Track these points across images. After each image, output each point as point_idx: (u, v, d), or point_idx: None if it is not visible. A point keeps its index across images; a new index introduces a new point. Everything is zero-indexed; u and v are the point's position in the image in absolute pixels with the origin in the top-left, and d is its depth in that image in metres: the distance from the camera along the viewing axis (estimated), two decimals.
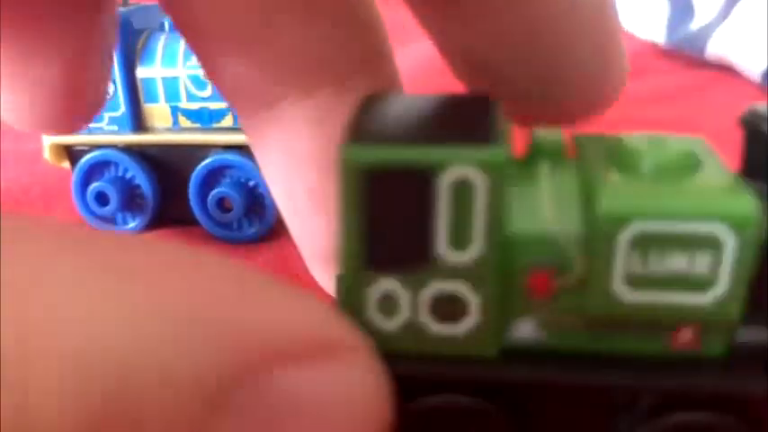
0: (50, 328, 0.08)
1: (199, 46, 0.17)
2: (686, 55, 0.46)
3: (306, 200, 0.16)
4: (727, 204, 0.12)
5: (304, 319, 0.10)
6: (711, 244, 0.12)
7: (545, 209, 0.13)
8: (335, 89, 0.16)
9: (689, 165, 0.13)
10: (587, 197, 0.13)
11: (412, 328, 0.14)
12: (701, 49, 0.45)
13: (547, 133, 0.14)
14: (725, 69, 0.44)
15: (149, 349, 0.09)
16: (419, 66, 0.47)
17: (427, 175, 0.12)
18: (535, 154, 0.14)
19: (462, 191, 0.13)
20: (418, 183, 0.13)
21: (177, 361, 0.09)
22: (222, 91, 0.17)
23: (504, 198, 0.13)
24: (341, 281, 0.14)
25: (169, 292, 0.09)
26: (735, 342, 0.13)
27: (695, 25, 0.47)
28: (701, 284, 0.13)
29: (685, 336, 0.13)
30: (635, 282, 0.13)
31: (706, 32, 0.45)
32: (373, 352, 0.12)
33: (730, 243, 0.12)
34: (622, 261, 0.13)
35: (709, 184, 0.13)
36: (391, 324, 0.14)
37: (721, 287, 0.13)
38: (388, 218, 0.13)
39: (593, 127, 0.14)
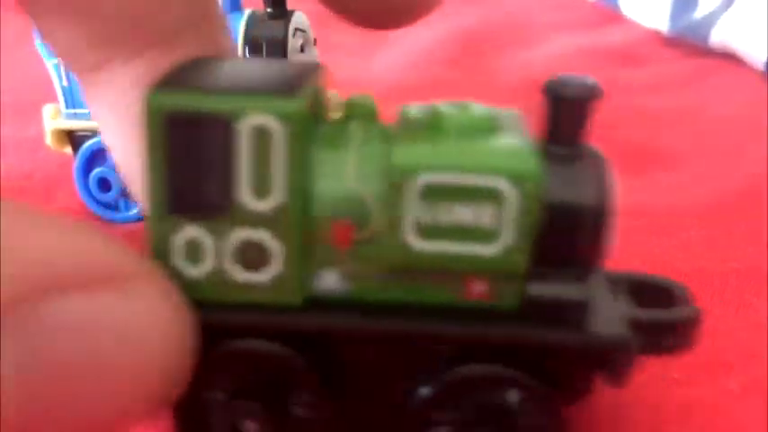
0: None
1: (32, 10, 0.17)
2: (690, 43, 0.46)
3: (141, 162, 0.17)
4: (509, 161, 0.13)
5: (91, 249, 0.11)
6: (494, 197, 0.13)
7: (350, 165, 0.14)
8: (163, 49, 0.16)
9: (488, 128, 0.14)
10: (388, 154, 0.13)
11: (218, 275, 0.14)
12: (705, 38, 0.45)
13: (360, 98, 0.15)
14: (729, 57, 0.44)
15: None
16: (418, 54, 0.47)
17: (226, 121, 0.13)
18: (349, 116, 0.15)
19: (261, 139, 0.13)
20: (217, 129, 0.13)
21: None
22: (58, 54, 0.17)
23: (306, 150, 0.13)
24: (149, 228, 0.14)
25: None
26: (527, 295, 0.14)
27: (699, 13, 0.46)
28: (486, 236, 0.13)
29: (478, 287, 0.14)
30: (425, 232, 0.13)
31: (710, 20, 0.45)
32: (170, 283, 0.12)
33: (511, 196, 0.13)
34: (412, 211, 0.13)
35: (501, 145, 0.13)
36: (197, 271, 0.14)
37: (505, 239, 0.13)
38: (190, 165, 0.13)
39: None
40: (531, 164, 0.13)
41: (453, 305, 0.14)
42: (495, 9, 0.57)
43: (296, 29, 0.28)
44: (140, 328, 0.11)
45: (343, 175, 0.14)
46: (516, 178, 0.13)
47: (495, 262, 0.13)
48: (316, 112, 0.14)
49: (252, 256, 0.14)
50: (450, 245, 0.13)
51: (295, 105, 0.13)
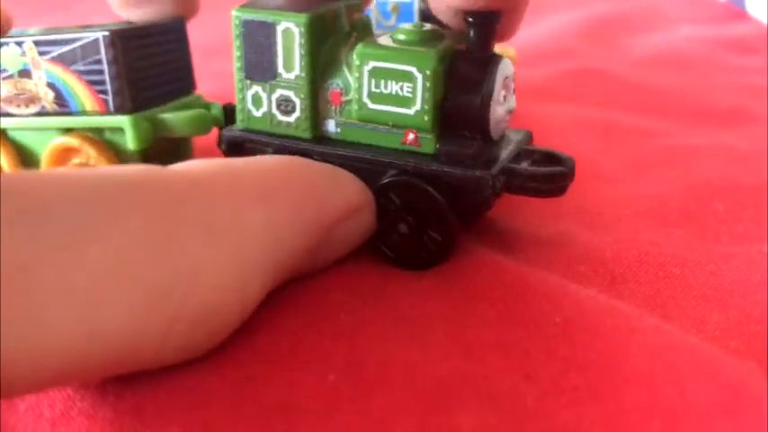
0: None
1: None
2: None
3: None
4: (420, 57, 0.21)
5: (357, 194, 0.23)
6: (409, 78, 0.21)
7: (342, 55, 0.23)
8: None
9: (421, 39, 0.22)
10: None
11: (268, 115, 0.23)
12: None
13: (360, 16, 0.24)
14: None
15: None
16: (556, 29, 0.55)
17: (271, 25, 0.22)
18: (353, 29, 0.23)
19: (288, 36, 0.23)
20: (268, 30, 0.22)
21: (306, 215, 0.20)
22: None
23: (314, 44, 0.22)
24: (236, 87, 0.24)
25: (301, 203, 0.20)
26: (438, 147, 0.22)
27: None
28: (407, 102, 0.21)
29: (409, 136, 0.22)
30: (373, 97, 0.22)
31: None
32: (373, 205, 0.22)
33: (419, 78, 0.21)
34: (366, 84, 0.22)
35: (420, 48, 0.21)
36: (259, 113, 0.24)
37: (417, 105, 0.21)
38: (255, 50, 0.23)
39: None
40: (431, 60, 0.21)
41: (397, 147, 0.22)
42: (631, 1, 0.65)
43: None
44: (365, 229, 0.22)
45: (338, 62, 0.22)
46: (420, 67, 0.21)
47: (413, 119, 0.21)
48: (329, 25, 0.23)
49: (285, 106, 0.23)
50: (388, 107, 0.22)
51: (305, 18, 0.22)
